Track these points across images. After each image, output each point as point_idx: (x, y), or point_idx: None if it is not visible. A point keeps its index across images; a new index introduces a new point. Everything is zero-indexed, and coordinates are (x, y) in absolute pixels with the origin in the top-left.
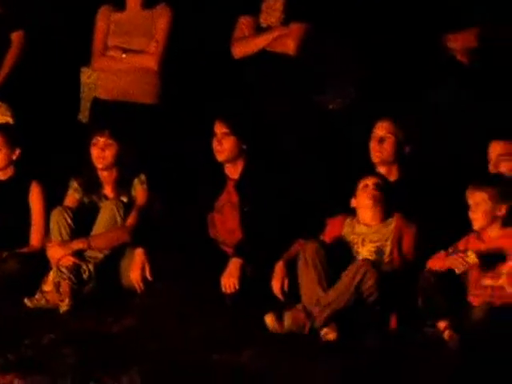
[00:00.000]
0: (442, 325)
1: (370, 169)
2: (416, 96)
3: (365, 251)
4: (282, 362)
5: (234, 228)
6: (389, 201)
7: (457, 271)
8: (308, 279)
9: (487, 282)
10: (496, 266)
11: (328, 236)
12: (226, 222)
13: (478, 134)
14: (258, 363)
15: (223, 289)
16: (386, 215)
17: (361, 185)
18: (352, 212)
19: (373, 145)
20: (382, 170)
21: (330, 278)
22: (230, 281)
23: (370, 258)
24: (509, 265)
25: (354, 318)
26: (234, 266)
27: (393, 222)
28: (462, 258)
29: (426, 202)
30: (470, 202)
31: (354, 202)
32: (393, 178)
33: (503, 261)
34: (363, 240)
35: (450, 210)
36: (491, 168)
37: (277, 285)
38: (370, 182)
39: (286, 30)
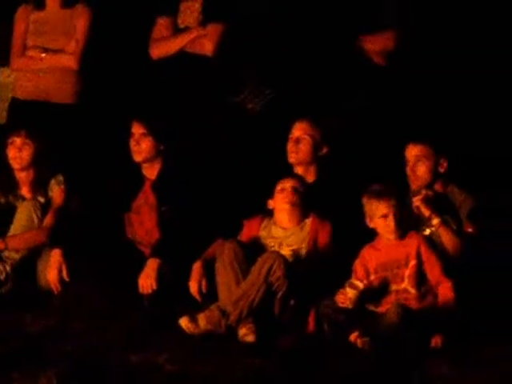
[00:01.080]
0: (352, 337)
1: (288, 169)
2: (334, 97)
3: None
4: (199, 363)
5: (152, 228)
6: (306, 203)
7: (346, 307)
8: (226, 279)
9: (392, 287)
10: (397, 272)
11: (245, 238)
12: (143, 222)
13: (395, 136)
14: (176, 364)
15: (140, 289)
16: (302, 217)
17: (278, 187)
18: (269, 213)
19: (289, 145)
20: (299, 170)
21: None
22: (147, 281)
23: (290, 260)
24: (409, 268)
25: (271, 318)
26: (151, 266)
27: (308, 224)
28: (343, 295)
29: (343, 202)
30: (383, 211)
31: (271, 204)
32: (310, 178)
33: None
34: (280, 244)
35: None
36: (408, 170)
37: (194, 285)
38: (287, 184)
39: (204, 31)
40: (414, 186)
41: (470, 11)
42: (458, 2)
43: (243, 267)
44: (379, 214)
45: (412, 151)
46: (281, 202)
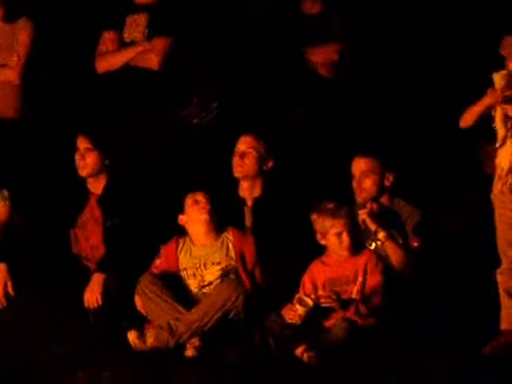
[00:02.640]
0: (299, 351)
1: (234, 184)
2: (276, 110)
3: (210, 274)
4: (142, 379)
5: (97, 243)
6: (217, 217)
7: (295, 323)
8: (158, 303)
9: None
10: (346, 288)
11: (164, 264)
12: (89, 237)
13: (340, 149)
14: (121, 379)
15: (86, 304)
16: (218, 232)
17: (190, 200)
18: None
19: (235, 160)
20: (245, 184)
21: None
22: (92, 296)
23: (217, 280)
24: (357, 284)
25: (218, 334)
26: (96, 281)
27: (230, 239)
28: (292, 312)
29: (290, 216)
30: (333, 229)
31: (183, 219)
32: (257, 192)
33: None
34: (205, 263)
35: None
36: (354, 184)
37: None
38: (199, 196)
39: (150, 45)
40: (359, 199)
41: (414, 24)
42: (403, 15)
43: (169, 293)
44: (334, 232)
45: (358, 165)
46: (197, 213)
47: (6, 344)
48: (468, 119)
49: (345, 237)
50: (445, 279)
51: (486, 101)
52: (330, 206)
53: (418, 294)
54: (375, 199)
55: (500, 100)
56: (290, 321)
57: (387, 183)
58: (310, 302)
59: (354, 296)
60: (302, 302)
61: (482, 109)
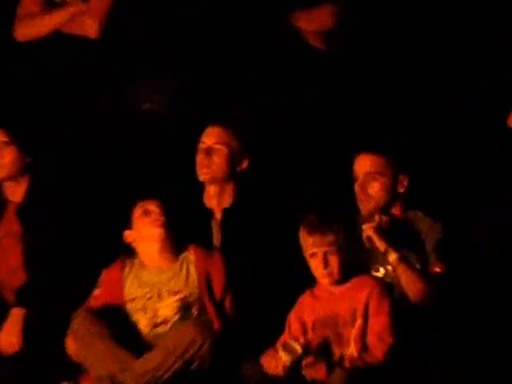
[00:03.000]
0: None
1: (199, 190)
2: (258, 95)
3: (165, 308)
4: None
5: (16, 267)
6: (176, 231)
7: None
8: (97, 348)
9: (335, 350)
10: (342, 331)
11: (107, 293)
12: (7, 258)
13: (339, 143)
14: None
15: (1, 349)
16: (177, 251)
17: (139, 211)
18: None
19: (200, 158)
20: (211, 190)
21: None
22: (9, 338)
23: (175, 316)
24: (356, 328)
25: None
26: (14, 318)
27: (191, 260)
28: (274, 361)
29: (271, 232)
30: (313, 249)
31: (129, 236)
32: (227, 200)
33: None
34: (159, 293)
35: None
36: (357, 189)
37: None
38: (151, 206)
39: (85, 7)
40: (364, 210)
41: None
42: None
43: (110, 336)
44: (309, 253)
45: (363, 164)
46: (149, 227)
47: None
48: None
49: (319, 260)
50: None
51: None
52: (313, 217)
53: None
54: (385, 210)
55: None
56: (271, 372)
57: (401, 189)
58: (299, 349)
59: (352, 344)
60: (287, 349)
61: None
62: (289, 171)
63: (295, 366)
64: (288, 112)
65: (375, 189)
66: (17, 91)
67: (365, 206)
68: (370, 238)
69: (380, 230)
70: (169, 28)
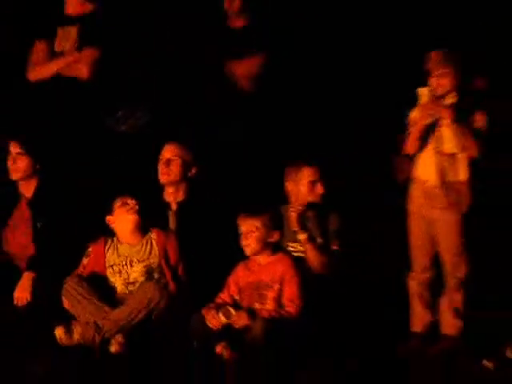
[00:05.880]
0: (219, 349)
1: (160, 189)
2: (203, 122)
3: (135, 272)
4: (77, 367)
5: (27, 243)
6: (144, 218)
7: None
8: (85, 305)
9: (257, 306)
10: (264, 293)
11: (92, 264)
12: (19, 237)
13: (262, 158)
14: (52, 373)
15: (15, 302)
16: (144, 232)
17: (119, 202)
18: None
19: (160, 167)
20: (169, 190)
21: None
22: (22, 294)
23: (142, 277)
24: (274, 291)
25: (142, 332)
26: (26, 279)
27: (154, 238)
28: (215, 320)
29: (213, 220)
30: (242, 229)
31: (110, 220)
32: (180, 197)
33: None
34: (130, 261)
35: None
36: (299, 201)
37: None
38: (128, 200)
39: (79, 56)
40: (294, 203)
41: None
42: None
43: (96, 294)
44: (239, 232)
45: (307, 175)
46: (126, 214)
47: None
48: (413, 146)
49: (247, 238)
50: (361, 284)
51: (420, 122)
52: (244, 210)
53: (335, 296)
54: (311, 206)
55: (422, 116)
56: (212, 326)
57: (320, 191)
58: (233, 313)
59: (270, 302)
60: (225, 313)
61: (420, 131)
62: (227, 176)
63: (229, 323)
64: (225, 134)
65: (317, 192)
66: (30, 117)
67: (295, 201)
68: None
69: (299, 217)
70: (142, 74)
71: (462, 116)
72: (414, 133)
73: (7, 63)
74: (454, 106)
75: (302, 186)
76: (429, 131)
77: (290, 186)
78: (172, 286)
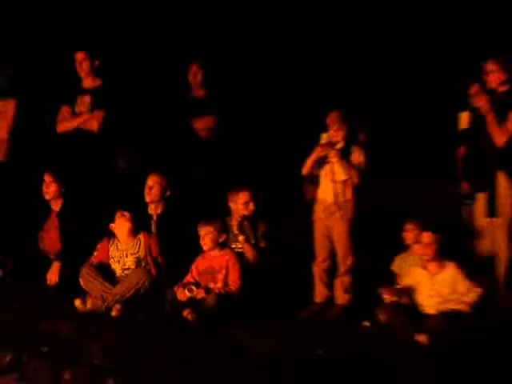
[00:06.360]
0: (185, 313)
1: (146, 205)
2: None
3: (128, 261)
4: (83, 329)
5: (56, 242)
6: (135, 225)
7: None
8: (95, 282)
9: (211, 285)
10: (215, 275)
11: (100, 255)
12: (50, 238)
13: (216, 185)
14: (73, 330)
15: (47, 282)
16: (135, 235)
17: (119, 214)
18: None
19: (146, 190)
20: (152, 206)
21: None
22: (52, 277)
23: (133, 265)
24: (221, 274)
25: (133, 303)
26: (55, 267)
27: (142, 238)
28: (182, 294)
29: (179, 227)
30: (201, 232)
31: (113, 226)
32: (159, 210)
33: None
34: (126, 254)
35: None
36: (238, 215)
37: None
38: (125, 212)
39: (91, 116)
40: (234, 215)
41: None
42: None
43: (103, 276)
44: (200, 235)
45: (243, 198)
46: (123, 222)
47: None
48: (306, 170)
49: (203, 239)
50: (281, 269)
51: (314, 156)
52: (203, 219)
53: (264, 278)
54: (246, 217)
55: (317, 152)
56: (180, 298)
57: (252, 208)
58: (195, 291)
59: (219, 282)
60: (190, 290)
61: (313, 162)
62: (192, 197)
63: (192, 297)
64: (190, 168)
65: (249, 210)
66: (59, 157)
67: (236, 215)
68: (233, 227)
69: (238, 225)
70: (136, 130)
71: (346, 155)
72: (308, 161)
73: (46, 122)
74: (341, 149)
75: (239, 205)
76: (320, 164)
77: (231, 204)
78: (153, 271)
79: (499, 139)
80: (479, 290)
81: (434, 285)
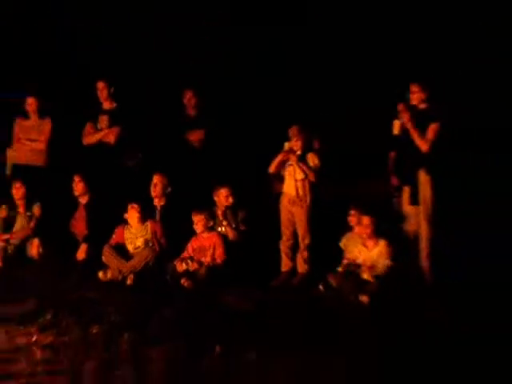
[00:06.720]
0: (183, 281)
1: (152, 199)
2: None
3: (139, 242)
4: (108, 293)
5: (83, 228)
6: (143, 214)
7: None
8: (114, 258)
9: (203, 259)
10: (205, 252)
11: (117, 238)
12: (79, 224)
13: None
14: (97, 295)
15: (78, 259)
16: (143, 221)
17: (130, 206)
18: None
19: (152, 187)
20: (156, 199)
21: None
22: (80, 255)
23: (142, 245)
24: (210, 250)
25: (143, 273)
26: (83, 247)
27: (149, 225)
28: (181, 266)
29: (177, 215)
30: (194, 219)
31: (126, 216)
32: (162, 203)
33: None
34: (137, 237)
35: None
36: (222, 205)
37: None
38: (134, 204)
39: (109, 131)
40: (219, 206)
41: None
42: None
43: (120, 254)
44: (193, 221)
45: (223, 193)
46: (134, 212)
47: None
48: (273, 169)
49: (196, 224)
50: (256, 245)
51: (278, 159)
52: (195, 209)
53: (243, 254)
54: (228, 207)
55: (280, 156)
56: (179, 270)
57: (232, 200)
58: (190, 264)
59: (208, 257)
60: (186, 263)
61: (278, 163)
62: (187, 192)
63: (188, 269)
64: (185, 168)
65: (230, 201)
66: (85, 163)
67: (220, 208)
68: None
69: (222, 213)
70: (141, 140)
71: (304, 159)
72: (274, 162)
73: (76, 137)
74: (300, 155)
75: (221, 198)
76: (285, 165)
77: (216, 197)
78: (157, 248)
79: (423, 147)
80: (388, 262)
81: (371, 257)
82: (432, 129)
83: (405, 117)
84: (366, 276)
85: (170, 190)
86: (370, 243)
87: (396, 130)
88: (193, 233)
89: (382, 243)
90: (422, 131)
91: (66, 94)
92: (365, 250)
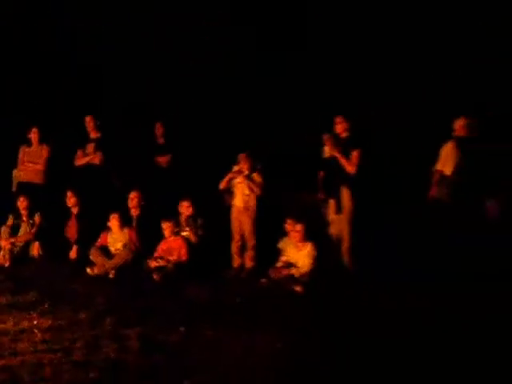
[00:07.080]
0: (154, 275)
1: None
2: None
3: (118, 245)
4: (95, 285)
5: (75, 232)
6: (122, 222)
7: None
8: (99, 257)
9: (170, 258)
10: (172, 252)
11: (102, 241)
12: (71, 230)
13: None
14: (85, 287)
15: (70, 258)
16: (123, 228)
17: (111, 215)
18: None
19: (129, 201)
20: (132, 210)
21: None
22: (72, 255)
23: (121, 247)
24: (176, 251)
25: (123, 270)
26: (74, 248)
27: (126, 231)
28: (152, 263)
29: (147, 224)
30: (163, 226)
31: (109, 223)
32: (137, 213)
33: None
34: (117, 240)
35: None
36: (184, 214)
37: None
38: (115, 215)
39: (96, 155)
40: (182, 215)
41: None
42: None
43: (104, 254)
44: (163, 227)
45: (185, 205)
46: (115, 221)
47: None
48: (223, 186)
49: (165, 230)
50: (212, 246)
51: (227, 178)
52: (165, 218)
53: (202, 253)
54: (190, 216)
55: (229, 175)
56: (151, 267)
57: (192, 210)
58: (160, 261)
59: (175, 256)
60: (157, 261)
61: (227, 182)
62: (157, 205)
63: (158, 265)
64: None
65: (189, 211)
66: (75, 181)
67: (184, 215)
68: (182, 222)
69: (185, 221)
70: (123, 166)
71: (250, 178)
72: (223, 181)
73: (68, 160)
74: (246, 175)
75: (184, 208)
76: (232, 181)
77: (180, 208)
78: (134, 249)
79: (349, 169)
80: (311, 261)
81: (300, 256)
82: (354, 155)
83: (328, 146)
84: (295, 272)
85: (143, 203)
86: (301, 245)
87: (326, 154)
88: (162, 237)
89: (309, 246)
90: (347, 156)
91: (61, 124)
92: (296, 251)
